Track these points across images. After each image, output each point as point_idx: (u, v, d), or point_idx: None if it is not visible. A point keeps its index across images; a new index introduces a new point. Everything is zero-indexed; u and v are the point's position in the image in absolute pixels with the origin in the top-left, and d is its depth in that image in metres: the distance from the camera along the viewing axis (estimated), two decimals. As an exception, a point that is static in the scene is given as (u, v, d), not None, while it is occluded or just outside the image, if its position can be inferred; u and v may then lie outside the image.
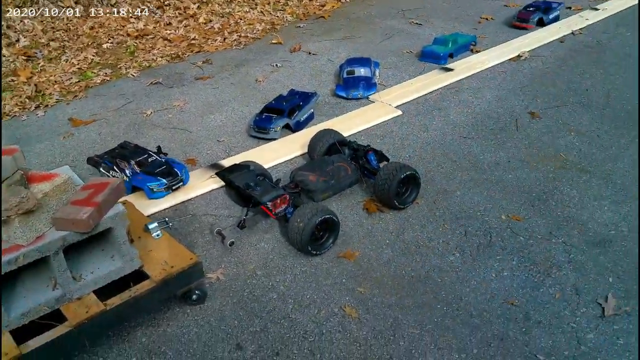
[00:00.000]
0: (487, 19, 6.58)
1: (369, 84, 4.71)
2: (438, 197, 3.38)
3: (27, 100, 5.28)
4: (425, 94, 4.69)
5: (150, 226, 2.72)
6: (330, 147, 3.56)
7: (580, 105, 4.39)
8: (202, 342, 2.47)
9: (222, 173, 3.18)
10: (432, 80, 4.89)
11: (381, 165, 3.43)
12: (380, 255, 2.94)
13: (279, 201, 2.95)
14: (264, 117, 4.16)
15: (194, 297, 2.64)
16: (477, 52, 5.52)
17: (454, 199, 3.36)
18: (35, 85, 5.55)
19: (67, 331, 2.22)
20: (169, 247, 2.64)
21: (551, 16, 6.14)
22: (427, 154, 3.84)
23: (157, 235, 2.72)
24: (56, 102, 5.20)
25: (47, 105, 5.16)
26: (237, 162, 3.38)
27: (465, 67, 5.12)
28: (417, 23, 6.61)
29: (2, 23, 6.39)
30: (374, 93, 4.70)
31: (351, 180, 3.33)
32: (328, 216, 2.87)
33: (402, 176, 3.14)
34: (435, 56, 5.28)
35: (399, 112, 4.39)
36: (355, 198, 3.41)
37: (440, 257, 2.91)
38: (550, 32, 5.88)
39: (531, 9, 6.17)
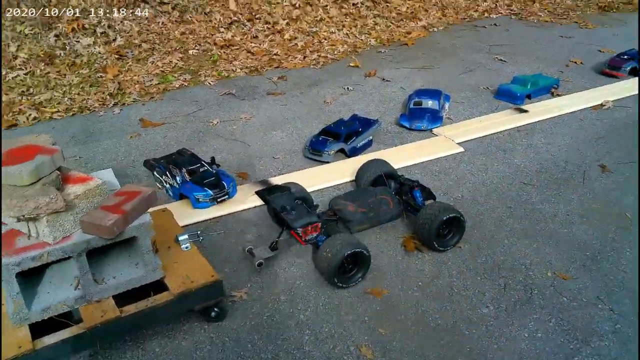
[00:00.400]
0: (576, 62, 6.23)
1: (435, 117, 4.58)
2: (483, 244, 3.21)
3: (108, 96, 5.59)
4: (493, 133, 4.50)
5: (181, 238, 2.76)
6: (377, 178, 3.47)
7: (659, 164, 4.04)
8: (211, 361, 2.46)
9: (262, 192, 3.19)
10: (503, 120, 4.68)
11: (426, 203, 3.30)
12: (409, 297, 2.82)
13: (310, 228, 2.91)
14: (320, 139, 4.14)
15: (213, 314, 2.64)
16: (558, 95, 5.23)
17: (499, 248, 3.17)
18: (119, 83, 5.87)
19: (80, 332, 2.28)
20: (194, 261, 2.66)
21: (647, 67, 5.73)
22: (481, 196, 3.67)
23: (186, 247, 2.75)
24: (133, 101, 5.46)
25: (124, 104, 5.42)
26: (280, 183, 3.37)
27: (541, 110, 4.86)
28: (501, 60, 6.37)
29: (104, 22, 6.80)
30: (438, 126, 4.56)
31: (392, 215, 3.23)
32: (358, 250, 2.79)
33: (445, 218, 3.01)
34: (512, 95, 5.06)
35: (461, 149, 4.24)
36: (395, 233, 3.30)
37: (472, 308, 2.75)
38: (644, 82, 5.48)
39: (625, 57, 5.77)
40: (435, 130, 4.53)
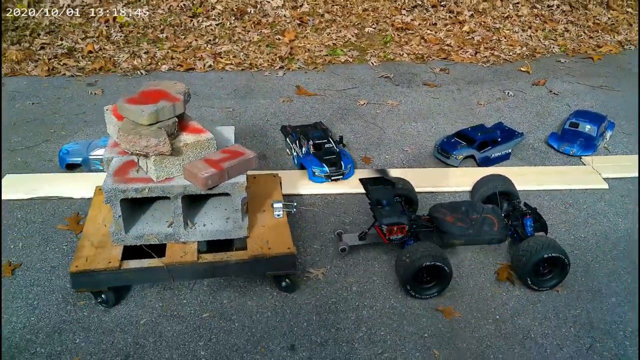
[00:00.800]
0: None
1: (589, 144, 4.17)
2: (584, 294, 2.92)
3: (278, 59, 5.94)
4: (652, 176, 3.98)
5: (275, 205, 2.93)
6: (492, 196, 3.30)
7: None
8: (267, 328, 2.62)
9: (366, 180, 3.21)
10: (670, 164, 4.10)
11: (535, 234, 3.08)
12: (480, 327, 2.71)
13: (395, 228, 2.88)
14: (452, 141, 4.03)
15: (283, 284, 2.79)
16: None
17: (602, 305, 2.87)
18: (291, 48, 6.19)
19: (159, 266, 2.58)
20: (278, 230, 2.83)
21: None
22: (607, 244, 3.31)
23: (278, 215, 2.92)
24: (297, 68, 5.75)
25: (289, 69, 5.74)
26: (392, 177, 3.36)
27: None
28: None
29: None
30: (590, 155, 4.15)
31: (493, 237, 3.05)
32: (439, 264, 2.73)
33: (546, 255, 2.79)
34: (693, 139, 4.40)
35: (605, 186, 3.82)
36: (495, 258, 3.15)
37: (542, 355, 2.55)
38: None
39: None
40: (584, 159, 4.13)
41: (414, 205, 3.32)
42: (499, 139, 4.05)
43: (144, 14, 6.57)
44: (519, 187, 3.42)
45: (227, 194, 2.63)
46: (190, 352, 2.48)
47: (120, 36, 6.16)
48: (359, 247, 3.13)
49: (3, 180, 3.54)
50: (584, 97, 5.26)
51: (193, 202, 2.76)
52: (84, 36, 6.06)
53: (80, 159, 3.66)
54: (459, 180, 3.76)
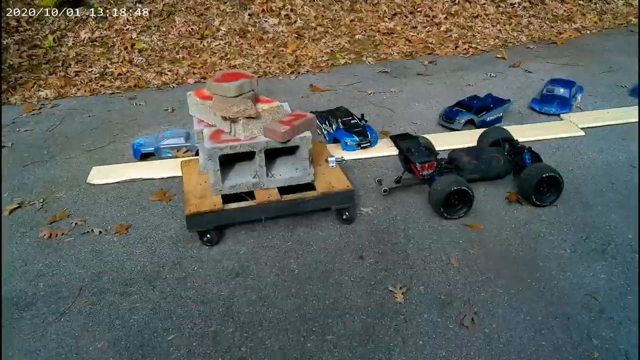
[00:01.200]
0: None
1: (564, 104, 5.05)
2: (577, 206, 3.74)
3: (287, 66, 6.76)
4: (617, 124, 4.86)
5: (329, 159, 3.71)
6: (495, 141, 4.13)
7: None
8: (338, 247, 3.37)
9: (395, 137, 4.01)
10: (630, 114, 5.00)
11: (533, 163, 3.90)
12: (501, 233, 3.49)
13: (427, 165, 3.68)
14: (454, 109, 4.86)
15: (344, 216, 3.55)
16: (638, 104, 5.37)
17: (591, 212, 3.68)
18: (296, 57, 7.03)
19: (253, 205, 3.32)
20: (336, 175, 3.60)
21: None
22: (589, 172, 4.15)
23: (332, 166, 3.70)
24: (306, 72, 6.57)
25: (299, 73, 6.55)
26: (411, 134, 4.17)
27: (675, 108, 5.08)
28: (649, 63, 6.51)
29: (287, 7, 8.03)
30: (566, 112, 5.02)
31: (500, 170, 3.88)
32: (464, 188, 3.52)
33: (544, 175, 3.60)
34: (647, 93, 5.32)
35: (582, 133, 4.69)
36: (504, 188, 3.94)
37: (551, 248, 3.34)
38: None
39: None
40: (562, 116, 5.01)
41: (434, 153, 4.12)
42: (492, 105, 4.90)
43: (158, 39, 7.34)
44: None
45: (293, 152, 3.41)
46: (284, 267, 3.21)
47: (142, 59, 6.92)
48: (396, 189, 3.90)
49: (92, 171, 4.24)
50: (554, 72, 6.18)
51: (268, 159, 3.51)
52: (109, 62, 6.80)
53: (152, 148, 4.39)
54: (467, 139, 4.57)
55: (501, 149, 4.01)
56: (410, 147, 3.83)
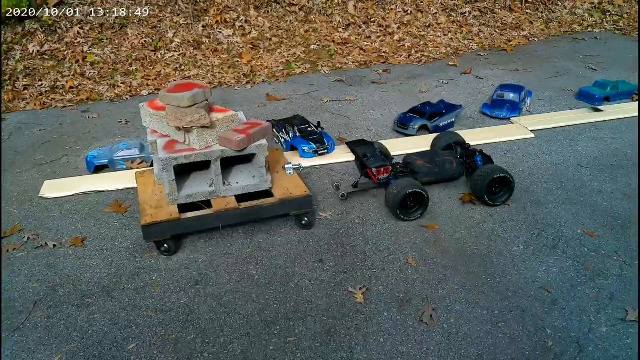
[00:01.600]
0: (667, 74, 6.51)
1: (514, 108, 5.22)
2: (529, 205, 3.86)
3: (242, 76, 6.77)
4: (565, 126, 5.05)
5: (287, 166, 3.73)
6: (448, 145, 4.23)
7: None
8: (298, 252, 3.38)
9: (351, 144, 4.07)
10: (577, 116, 5.21)
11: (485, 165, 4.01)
12: (456, 232, 3.57)
13: (382, 169, 3.74)
14: (407, 116, 4.96)
15: (303, 222, 3.57)
16: (638, 101, 5.62)
17: (543, 209, 3.81)
18: (252, 67, 7.04)
19: (210, 214, 3.31)
20: (294, 182, 3.62)
21: None
22: (539, 172, 4.29)
23: (290, 173, 3.71)
24: (262, 81, 6.59)
25: (255, 83, 6.57)
26: (367, 140, 4.24)
27: (616, 110, 5.31)
28: (592, 68, 6.79)
29: (242, 18, 8.05)
30: (516, 116, 5.19)
31: (453, 173, 3.98)
32: (419, 190, 3.59)
33: (496, 176, 3.71)
34: (590, 97, 5.54)
35: (532, 135, 4.86)
36: (457, 190, 4.04)
37: (505, 245, 3.44)
38: None
39: None
40: (512, 119, 5.17)
41: (389, 158, 4.19)
42: (444, 111, 5.02)
43: (111, 52, 7.24)
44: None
45: (249, 160, 3.42)
46: (244, 273, 3.20)
47: (94, 72, 6.81)
48: (353, 193, 3.95)
49: (44, 185, 4.14)
50: (504, 78, 6.38)
51: (224, 168, 3.50)
52: (60, 76, 6.66)
53: (106, 160, 4.32)
54: (420, 144, 4.66)
55: (454, 152, 4.11)
56: (366, 152, 3.89)
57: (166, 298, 3.01)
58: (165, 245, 3.31)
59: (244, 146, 3.30)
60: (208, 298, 3.00)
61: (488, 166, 3.86)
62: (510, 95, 5.31)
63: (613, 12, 9.27)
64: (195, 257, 3.35)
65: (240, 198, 3.45)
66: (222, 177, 3.41)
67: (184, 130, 3.27)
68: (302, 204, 3.49)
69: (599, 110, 5.33)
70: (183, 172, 3.47)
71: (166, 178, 3.27)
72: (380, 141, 4.45)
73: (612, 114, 5.25)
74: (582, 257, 3.32)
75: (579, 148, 4.67)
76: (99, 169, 4.36)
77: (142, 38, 7.48)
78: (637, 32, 6.55)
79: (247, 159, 3.52)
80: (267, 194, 3.52)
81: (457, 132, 4.45)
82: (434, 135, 4.45)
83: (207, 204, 3.40)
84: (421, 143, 4.66)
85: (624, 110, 5.35)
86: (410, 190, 3.56)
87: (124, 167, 4.33)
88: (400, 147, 4.61)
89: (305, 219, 3.57)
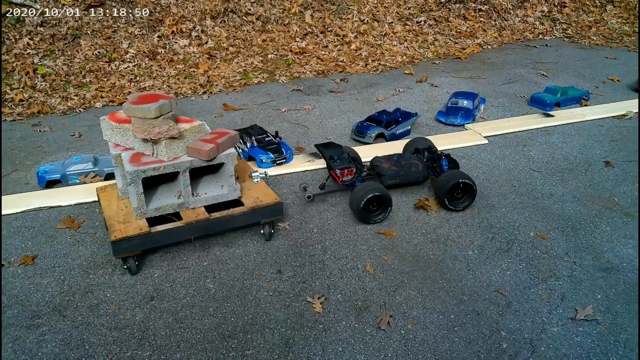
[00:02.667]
0: (613, 80, 6.75)
1: (468, 115, 5.33)
2: (483, 209, 3.93)
3: (199, 87, 6.71)
4: (517, 131, 5.18)
5: (254, 174, 3.74)
6: (417, 150, 4.29)
7: (661, 164, 4.59)
8: (256, 263, 3.36)
9: (320, 146, 4.09)
10: (529, 121, 5.35)
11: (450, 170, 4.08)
12: (413, 239, 3.61)
13: (346, 171, 3.79)
14: (364, 124, 5.01)
15: (262, 231, 3.55)
16: (587, 106, 5.82)
17: (496, 213, 3.89)
18: (208, 77, 7.00)
19: (180, 226, 3.27)
20: (262, 190, 3.63)
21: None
22: (493, 177, 4.38)
23: (257, 181, 3.71)
24: (219, 91, 6.55)
25: (211, 93, 6.52)
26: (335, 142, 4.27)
27: (566, 115, 5.49)
28: (543, 74, 7.01)
29: (198, 28, 8.00)
30: (470, 123, 5.30)
31: (418, 176, 4.04)
32: (384, 193, 3.63)
33: (459, 181, 3.76)
34: (542, 102, 5.71)
35: (485, 141, 4.96)
36: (414, 196, 4.09)
37: (460, 250, 3.50)
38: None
39: (657, 75, 6.26)
40: (467, 126, 5.28)
41: (357, 160, 4.19)
42: (400, 119, 5.09)
43: (63, 63, 7.09)
44: (422, 149, 4.46)
45: (217, 170, 3.41)
46: (201, 287, 3.16)
47: (46, 85, 6.64)
48: (318, 195, 3.98)
49: (-8, 201, 4.01)
50: (458, 85, 6.51)
51: (192, 179, 3.45)
52: (9, 88, 6.48)
53: (58, 175, 4.21)
54: (379, 151, 4.69)
55: (421, 156, 4.18)
56: (333, 154, 3.92)
57: (121, 315, 2.94)
58: (129, 264, 3.23)
59: (214, 155, 3.28)
60: (164, 313, 2.95)
61: (452, 171, 3.93)
62: (464, 103, 5.41)
63: (562, 21, 9.59)
64: (151, 271, 3.29)
65: (210, 209, 3.42)
66: (191, 188, 3.37)
67: (151, 142, 3.22)
68: (273, 211, 3.49)
69: (550, 116, 5.49)
70: (150, 185, 3.41)
71: (134, 192, 3.20)
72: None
73: (563, 118, 5.42)
74: (534, 260, 3.40)
75: (531, 153, 4.79)
76: (50, 184, 4.25)
77: (96, 49, 7.34)
78: (637, 33, 6.73)
79: (214, 169, 3.49)
80: (237, 203, 3.50)
81: (427, 138, 4.51)
82: (391, 143, 4.49)
83: (176, 216, 3.35)
84: (379, 151, 4.70)
85: (574, 115, 5.52)
86: (375, 194, 3.60)
87: (77, 181, 4.23)
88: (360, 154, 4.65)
89: (272, 228, 3.56)
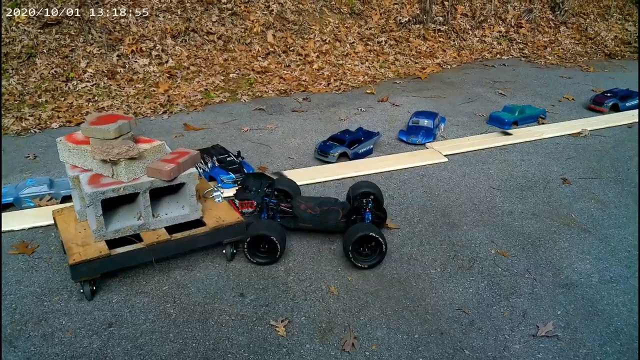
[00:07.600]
0: (568, 98, 6.98)
1: (429, 134, 5.40)
2: (444, 228, 3.97)
3: (159, 106, 6.62)
4: (476, 150, 5.28)
5: (215, 193, 3.70)
6: (355, 195, 3.96)
7: (613, 181, 4.71)
8: (217, 287, 3.30)
9: (248, 174, 4.04)
10: (488, 140, 5.46)
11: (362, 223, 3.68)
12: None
13: (246, 204, 3.71)
14: (327, 143, 5.02)
15: (234, 251, 3.50)
16: (543, 124, 5.98)
17: (458, 231, 3.93)
18: (169, 96, 6.91)
19: (141, 248, 3.19)
20: (224, 209, 3.58)
21: (628, 104, 6.39)
22: (454, 195, 4.43)
23: (219, 200, 3.66)
24: (179, 111, 6.47)
25: (172, 112, 6.44)
26: (283, 177, 4.20)
27: (524, 134, 5.62)
28: (501, 93, 7.18)
29: (158, 47, 7.91)
30: (431, 141, 5.37)
31: (334, 224, 3.77)
32: (265, 233, 3.42)
33: (362, 235, 3.39)
34: (500, 121, 5.84)
35: (445, 160, 5.03)
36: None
37: (423, 269, 3.51)
38: (622, 117, 6.15)
39: (608, 94, 6.49)
40: (427, 145, 5.35)
41: (289, 197, 3.99)
42: (362, 138, 5.12)
43: (17, 83, 6.90)
44: (385, 169, 4.53)
45: (177, 190, 3.35)
46: (161, 312, 3.07)
47: (-1, 105, 6.45)
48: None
49: (-60, 226, 3.84)
50: (419, 105, 6.61)
51: (153, 199, 3.36)
52: (-40, 108, 6.26)
53: (11, 198, 4.07)
54: (342, 170, 4.72)
55: (348, 204, 3.93)
56: (249, 185, 3.84)
57: (77, 343, 2.84)
58: (86, 288, 3.13)
59: (174, 175, 3.22)
60: (122, 340, 2.86)
61: (360, 224, 3.57)
62: (425, 122, 5.49)
63: (519, 40, 9.89)
64: (109, 297, 3.19)
65: (171, 230, 3.35)
66: (152, 209, 3.30)
67: (110, 163, 3.14)
68: (236, 231, 3.44)
69: (508, 134, 5.61)
70: (108, 206, 3.31)
71: (93, 214, 3.11)
72: (299, 169, 4.42)
73: (520, 137, 5.55)
74: (496, 277, 3.44)
75: (491, 171, 4.88)
76: (3, 208, 4.09)
77: (53, 68, 7.17)
78: (637, 40, 6.95)
79: (175, 189, 3.42)
80: (199, 223, 3.44)
81: (373, 162, 4.51)
82: (354, 162, 4.48)
83: (137, 238, 3.27)
84: (342, 171, 4.73)
85: (532, 133, 5.66)
86: (261, 233, 3.42)
87: (32, 204, 4.10)
88: (321, 174, 4.65)
89: (233, 250, 3.50)
